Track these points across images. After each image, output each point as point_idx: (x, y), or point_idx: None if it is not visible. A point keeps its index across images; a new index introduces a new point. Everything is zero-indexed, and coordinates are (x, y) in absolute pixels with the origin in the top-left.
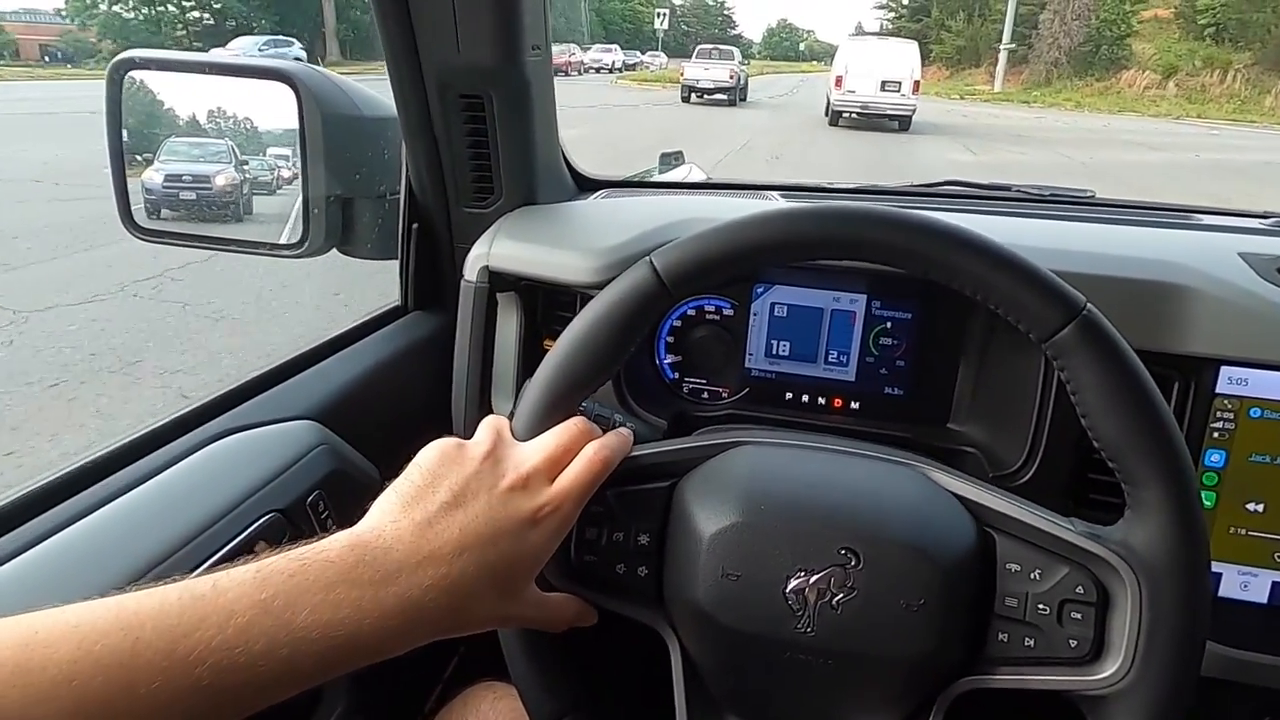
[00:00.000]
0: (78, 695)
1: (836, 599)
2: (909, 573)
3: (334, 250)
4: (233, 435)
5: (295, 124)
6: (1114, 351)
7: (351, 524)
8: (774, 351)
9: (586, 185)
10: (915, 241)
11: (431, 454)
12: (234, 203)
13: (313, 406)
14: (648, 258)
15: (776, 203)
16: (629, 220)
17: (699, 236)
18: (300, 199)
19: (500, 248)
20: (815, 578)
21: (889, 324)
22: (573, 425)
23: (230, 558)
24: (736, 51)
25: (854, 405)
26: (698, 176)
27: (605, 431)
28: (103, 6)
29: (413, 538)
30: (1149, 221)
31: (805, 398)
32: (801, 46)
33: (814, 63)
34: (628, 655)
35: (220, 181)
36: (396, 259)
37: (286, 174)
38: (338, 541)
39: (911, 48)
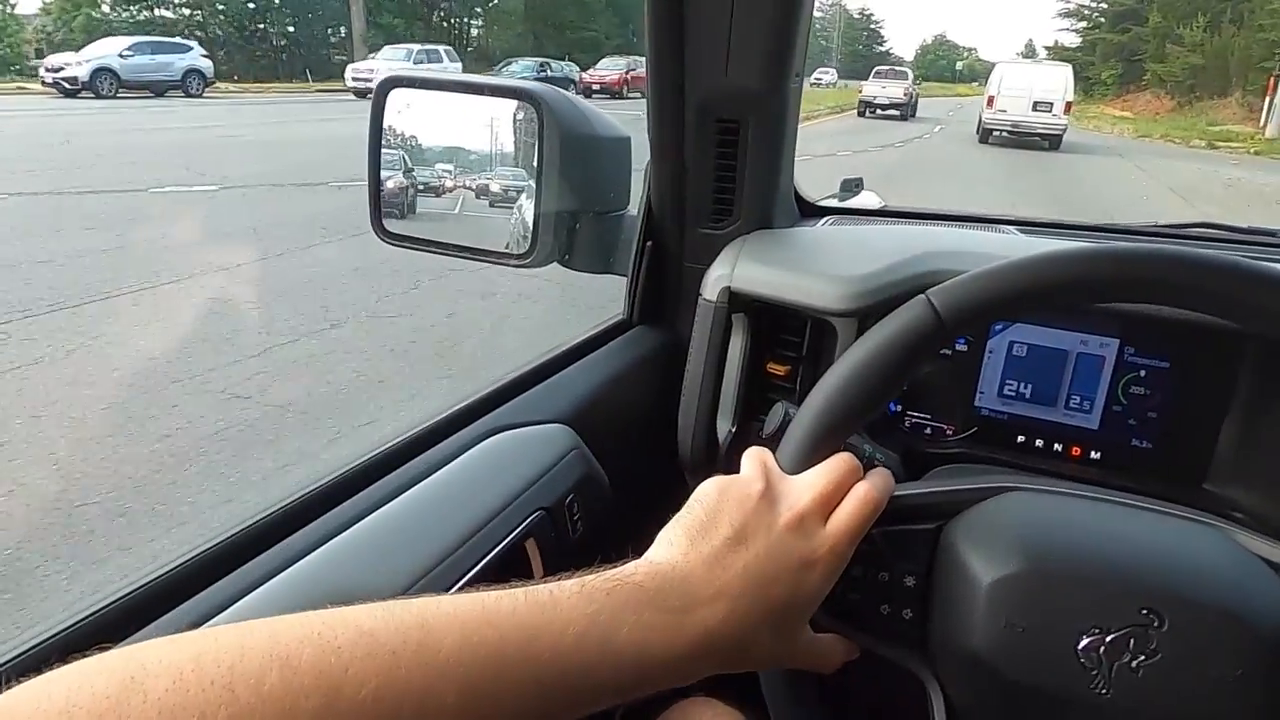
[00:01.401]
0: (464, 678)
1: (1137, 661)
2: (1223, 640)
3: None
4: (499, 434)
5: (533, 141)
6: None
7: (594, 528)
8: (1009, 392)
9: (810, 211)
10: (1228, 286)
11: (710, 490)
12: (401, 203)
13: (561, 411)
14: (924, 295)
15: (1016, 238)
16: (873, 249)
17: (983, 275)
18: (513, 212)
19: (743, 269)
20: (1112, 637)
21: (1142, 371)
22: (842, 462)
23: (506, 554)
24: (910, 72)
25: (1094, 455)
26: (876, 202)
27: (862, 459)
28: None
29: (704, 571)
30: None
31: (1039, 443)
32: (959, 65)
33: (972, 85)
34: (885, 699)
35: (390, 185)
36: (612, 273)
37: (449, 184)
38: (640, 567)
39: (1065, 70)
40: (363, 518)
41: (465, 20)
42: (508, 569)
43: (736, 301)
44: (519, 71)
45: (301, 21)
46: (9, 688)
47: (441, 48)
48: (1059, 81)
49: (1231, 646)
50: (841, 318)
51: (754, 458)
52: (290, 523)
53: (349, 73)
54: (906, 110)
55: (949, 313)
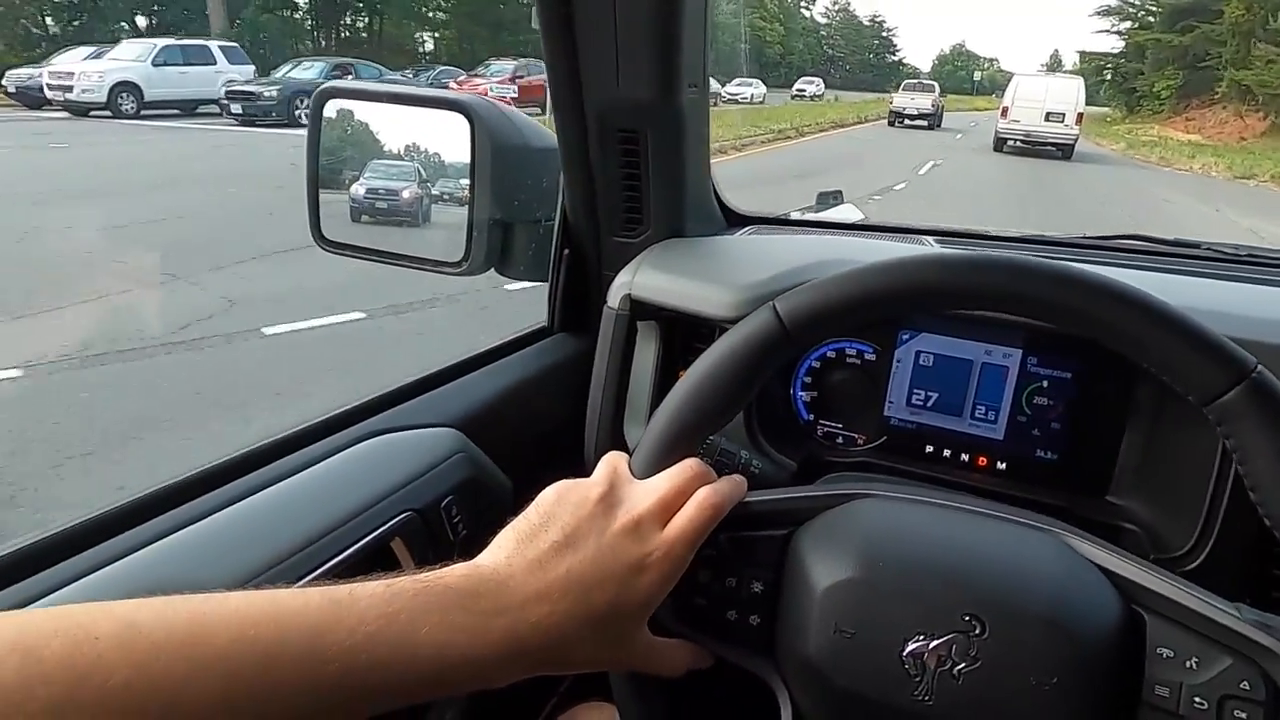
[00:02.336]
0: (230, 673)
1: (958, 668)
2: (1040, 647)
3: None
4: (379, 436)
5: (467, 152)
6: None
7: (479, 532)
8: (916, 401)
9: (736, 220)
10: (1056, 293)
11: (549, 494)
12: (414, 213)
13: (456, 416)
14: (771, 302)
15: (926, 248)
16: (773, 258)
17: (824, 282)
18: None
19: (644, 277)
20: (935, 643)
21: (1045, 382)
22: (686, 467)
23: (368, 551)
24: (936, 86)
25: (1000, 465)
26: (855, 217)
27: (730, 470)
28: None
29: (523, 575)
30: None
31: (947, 452)
32: (977, 76)
33: (991, 97)
34: (736, 705)
35: (406, 195)
36: (544, 281)
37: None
38: (459, 570)
39: (1077, 82)
40: (216, 512)
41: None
42: (371, 568)
43: (642, 309)
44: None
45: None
46: None
47: (215, 43)
48: (1071, 93)
49: (1049, 654)
50: (734, 324)
51: (606, 462)
52: (142, 512)
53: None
54: (934, 120)
55: (791, 319)
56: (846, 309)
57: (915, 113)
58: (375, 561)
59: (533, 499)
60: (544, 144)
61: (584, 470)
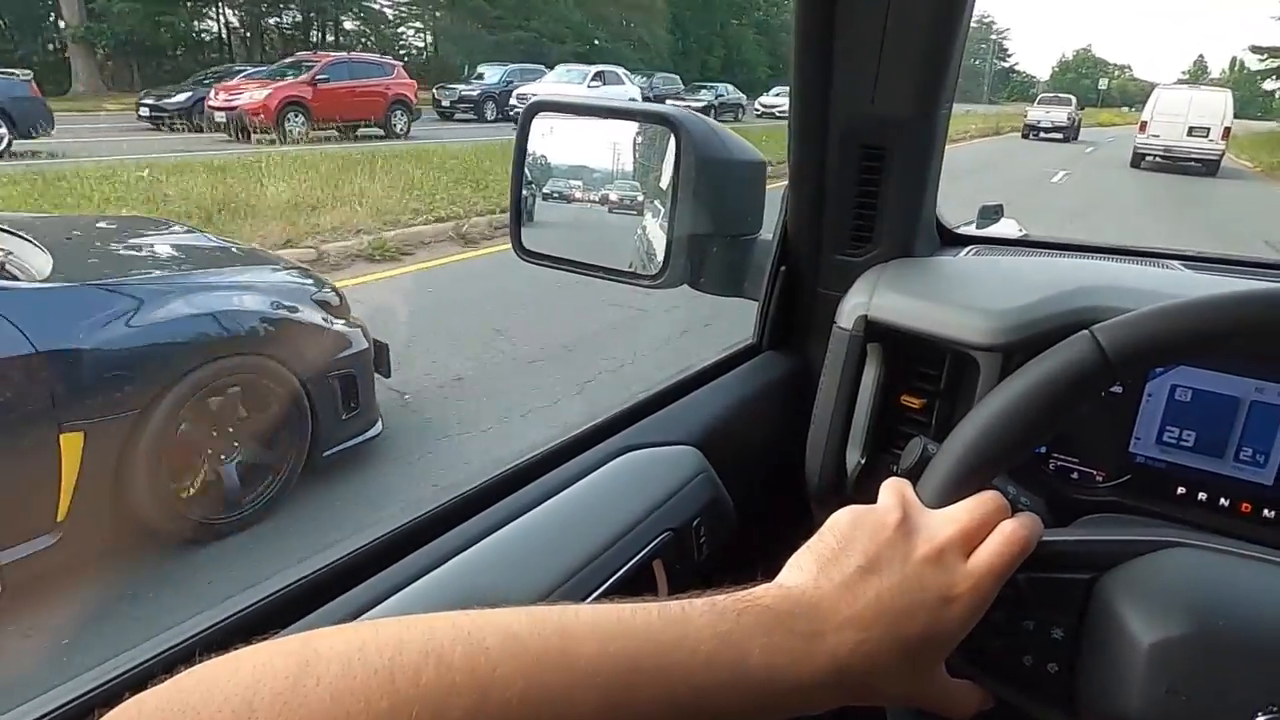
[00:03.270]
0: (602, 688)
1: None
2: None
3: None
4: (630, 453)
5: (670, 165)
6: None
7: (719, 552)
8: (1169, 439)
9: (952, 240)
10: None
11: (843, 517)
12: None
13: (691, 433)
14: (1088, 331)
15: (1181, 273)
16: (1022, 281)
17: (1157, 313)
18: (641, 232)
19: (881, 298)
20: None
21: None
22: (987, 498)
23: (634, 571)
24: (1073, 99)
25: (1268, 513)
26: (1016, 230)
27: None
28: None
29: (834, 598)
30: None
31: (1203, 495)
32: (1103, 85)
33: (1122, 110)
34: None
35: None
36: (740, 296)
37: (578, 195)
38: (770, 589)
39: (1224, 95)
40: (500, 527)
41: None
42: (636, 587)
43: (873, 331)
44: None
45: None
46: (199, 661)
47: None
48: (1217, 106)
49: None
50: (985, 352)
51: (892, 489)
52: (436, 526)
53: None
54: (1069, 133)
55: (1116, 351)
56: (1183, 343)
57: (1050, 125)
58: (640, 581)
59: (753, 519)
60: (748, 157)
61: (806, 493)
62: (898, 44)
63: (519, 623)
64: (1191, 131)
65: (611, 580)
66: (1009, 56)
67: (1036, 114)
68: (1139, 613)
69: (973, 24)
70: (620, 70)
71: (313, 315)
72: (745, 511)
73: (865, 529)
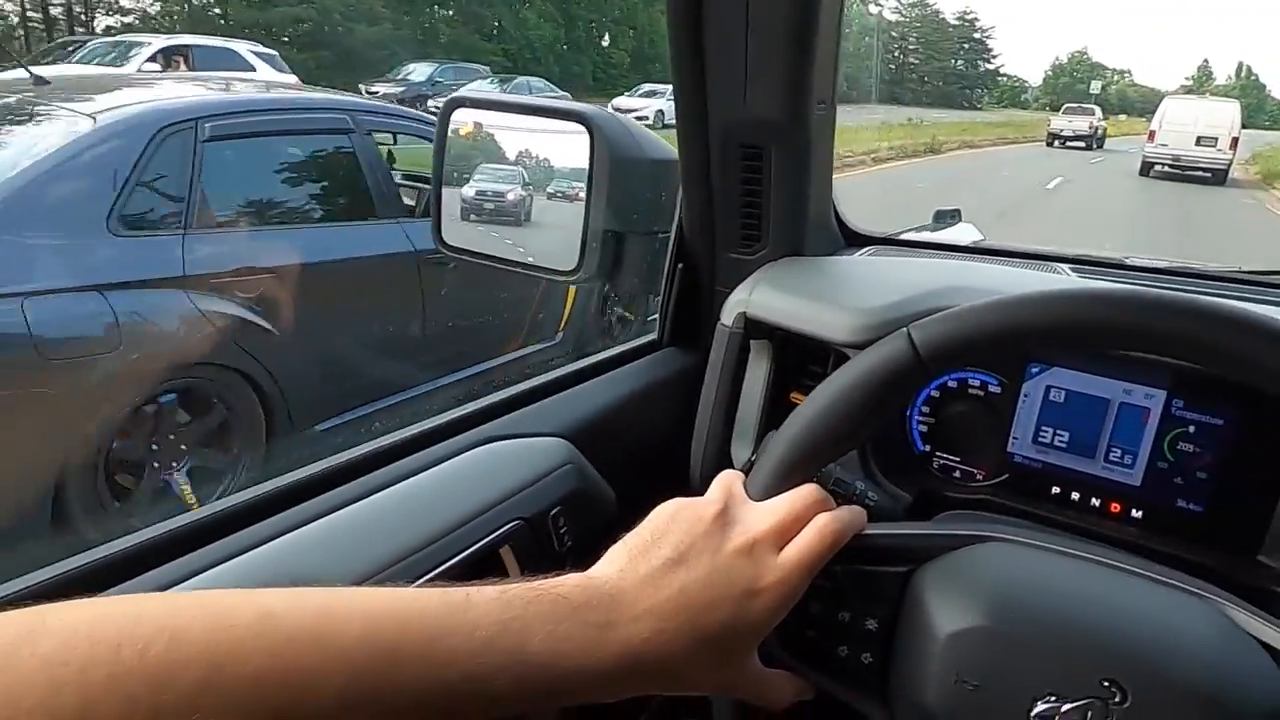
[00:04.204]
0: (355, 670)
1: None
2: None
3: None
4: (490, 444)
5: (585, 162)
6: None
7: (585, 543)
8: (1044, 439)
9: (855, 240)
10: (1231, 340)
11: (663, 510)
12: (518, 213)
13: (565, 426)
14: (905, 329)
15: (1063, 278)
16: (896, 281)
17: (964, 312)
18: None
19: (760, 295)
20: (1068, 707)
21: (1192, 428)
22: (806, 492)
23: (479, 557)
24: (1097, 109)
25: (1135, 513)
26: (974, 235)
27: (844, 500)
28: None
29: (635, 590)
30: None
31: (1076, 495)
32: (1095, 88)
33: (1120, 118)
34: None
35: (510, 197)
36: (654, 293)
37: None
38: (570, 580)
39: (1233, 106)
40: (333, 512)
41: None
42: (480, 574)
43: (754, 328)
44: None
45: None
46: None
47: None
48: (1225, 117)
49: None
50: (853, 349)
51: (721, 481)
52: (259, 511)
53: None
54: (1092, 141)
55: (927, 349)
56: (989, 341)
57: (1072, 134)
58: (484, 568)
59: (637, 512)
60: (661, 156)
61: (689, 487)
62: (762, 45)
63: (278, 602)
64: (1200, 141)
65: (445, 566)
66: (994, 57)
67: (1059, 123)
68: (941, 604)
69: (951, 21)
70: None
71: None
72: (631, 505)
73: (682, 521)
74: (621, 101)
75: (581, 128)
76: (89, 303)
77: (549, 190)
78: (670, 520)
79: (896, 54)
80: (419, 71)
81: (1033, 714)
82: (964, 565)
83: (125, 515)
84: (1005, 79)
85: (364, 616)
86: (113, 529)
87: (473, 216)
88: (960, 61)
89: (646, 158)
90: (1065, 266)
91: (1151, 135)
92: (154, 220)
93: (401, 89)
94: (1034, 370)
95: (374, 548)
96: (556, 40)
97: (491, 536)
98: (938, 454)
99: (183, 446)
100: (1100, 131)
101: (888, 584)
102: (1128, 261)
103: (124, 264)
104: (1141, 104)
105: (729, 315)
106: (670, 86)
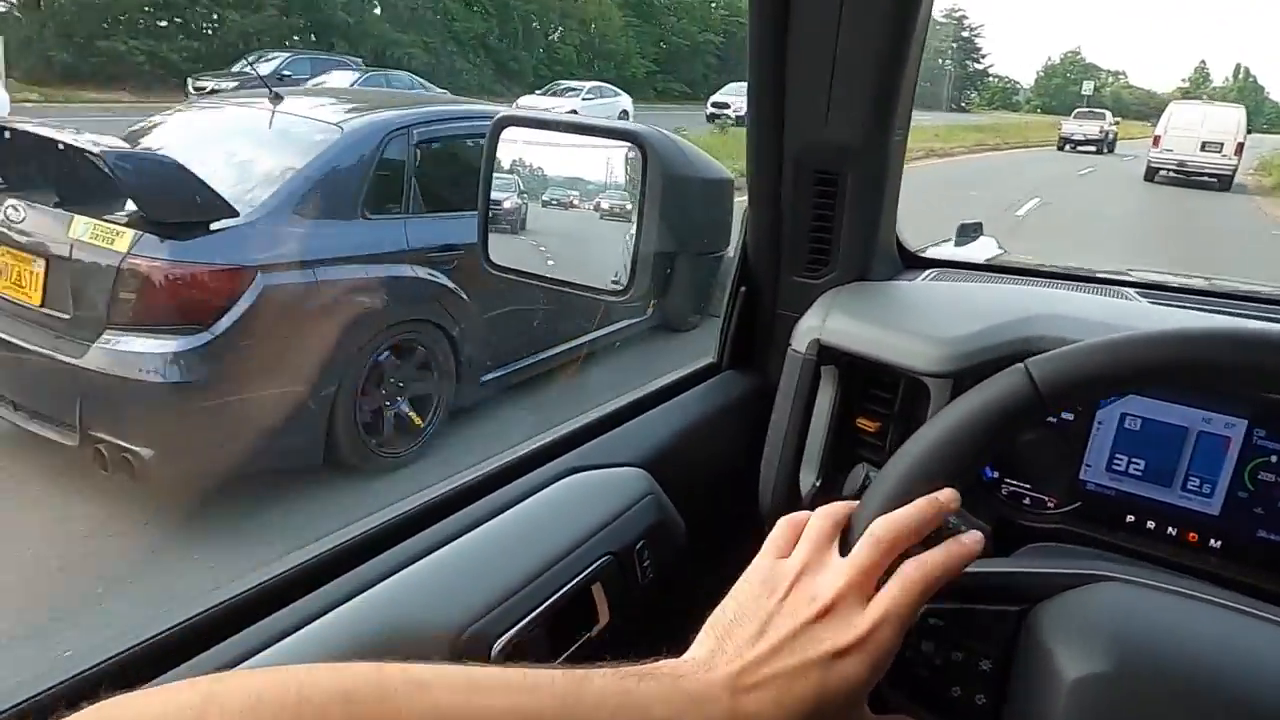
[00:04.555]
0: None
1: None
2: None
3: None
4: (575, 475)
5: (637, 181)
6: None
7: (666, 574)
8: (1119, 467)
9: (914, 263)
10: None
11: (743, 583)
12: (514, 220)
13: (641, 454)
14: (1023, 364)
15: (1132, 304)
16: (973, 308)
17: (1088, 349)
18: (629, 249)
19: (835, 322)
20: None
21: (1274, 458)
22: (882, 542)
23: (574, 595)
24: (1108, 114)
25: (1214, 543)
26: (994, 250)
27: (933, 537)
28: None
29: (726, 666)
30: None
31: (1151, 524)
32: (1088, 89)
33: (1116, 122)
34: None
35: (507, 205)
36: (706, 314)
37: (575, 203)
38: (668, 662)
39: (1238, 111)
40: (431, 552)
41: None
42: (573, 611)
43: (826, 354)
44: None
45: None
46: (103, 697)
47: None
48: (1230, 122)
49: None
50: (935, 379)
51: (806, 537)
52: (359, 554)
53: None
54: (1103, 145)
55: (1048, 386)
56: (1114, 380)
57: (1083, 138)
58: (577, 605)
59: (706, 541)
60: (715, 175)
61: (758, 514)
62: (848, 72)
63: (426, 673)
64: (1205, 147)
65: (544, 606)
66: (983, 56)
67: (1070, 127)
68: (1064, 647)
69: (939, 19)
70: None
71: None
72: (699, 532)
73: (760, 594)
74: (528, 100)
75: (635, 147)
76: (354, 270)
77: (544, 199)
78: (750, 594)
79: None
80: (270, 64)
81: None
82: (1084, 606)
83: (380, 445)
84: (996, 79)
85: (507, 689)
86: (371, 459)
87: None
88: (948, 61)
89: (699, 177)
90: (1131, 290)
91: (1157, 140)
92: (385, 207)
93: (234, 84)
94: (1109, 399)
95: (472, 591)
96: (488, 32)
97: (585, 573)
98: (1006, 481)
99: (401, 385)
100: (1111, 136)
101: (1001, 623)
102: (1197, 285)
103: (371, 241)
104: (1137, 106)
105: (801, 341)
106: (586, 85)
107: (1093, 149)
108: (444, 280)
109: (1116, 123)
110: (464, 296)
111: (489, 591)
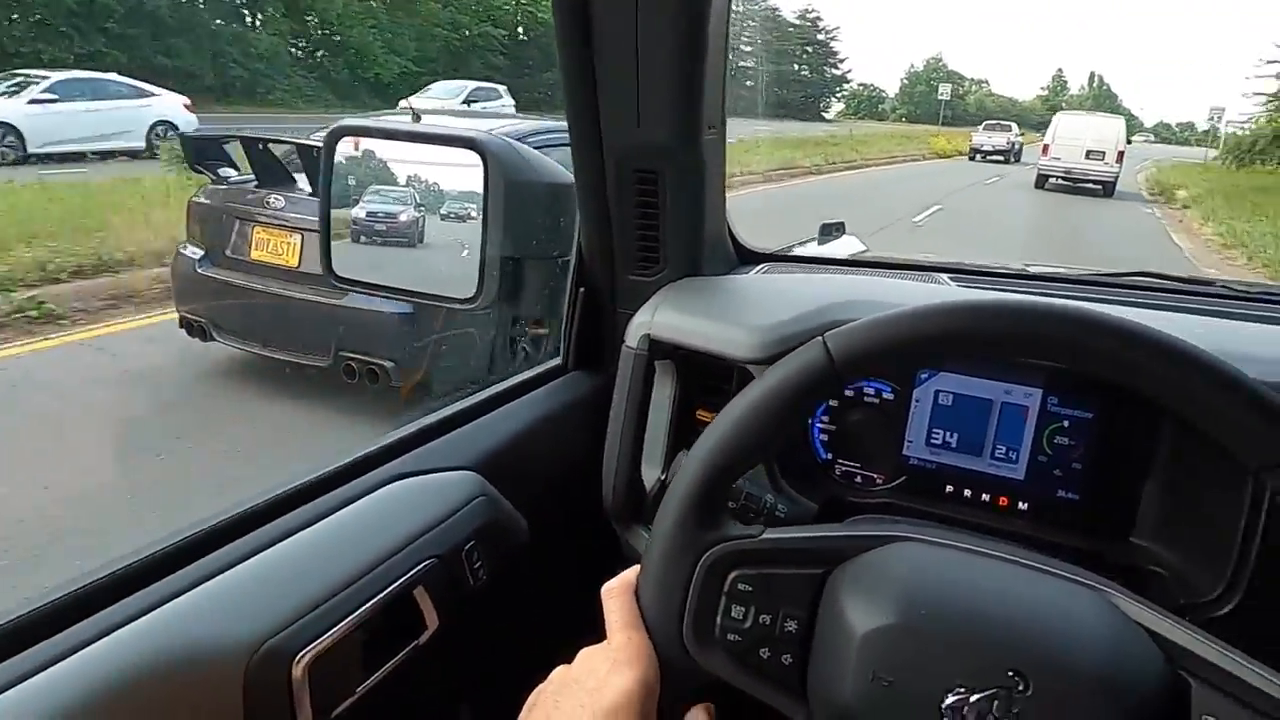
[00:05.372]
0: None
1: None
2: (1086, 709)
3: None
4: (400, 481)
5: (479, 188)
6: None
7: (502, 576)
8: (936, 441)
9: (749, 258)
10: (1123, 350)
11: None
12: (411, 233)
13: (474, 458)
14: (820, 338)
15: (945, 288)
16: (794, 297)
17: (877, 322)
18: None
19: (662, 316)
20: (976, 697)
21: (1066, 422)
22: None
23: (392, 599)
24: (1014, 125)
25: (1022, 506)
26: (857, 247)
27: (755, 512)
28: None
29: None
30: None
31: (968, 492)
32: (943, 93)
33: (971, 131)
34: None
35: (403, 218)
36: (555, 317)
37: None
38: None
39: (1118, 122)
40: (236, 564)
41: None
42: (394, 616)
43: (658, 349)
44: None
45: None
46: None
47: None
48: (1111, 131)
49: (1094, 716)
50: (755, 365)
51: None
52: (163, 566)
53: None
54: (1010, 155)
55: (842, 356)
56: (902, 349)
57: (991, 149)
58: (399, 609)
59: (551, 539)
60: (557, 180)
61: (600, 510)
62: (652, 72)
63: None
64: (1089, 155)
65: (355, 614)
66: (840, 62)
67: (980, 138)
68: (857, 604)
69: (791, 20)
70: None
71: None
72: (543, 533)
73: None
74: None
75: (474, 154)
76: None
77: (442, 212)
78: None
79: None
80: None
81: (944, 706)
82: (876, 565)
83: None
84: (861, 87)
85: None
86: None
87: (363, 239)
88: (804, 67)
89: (543, 182)
90: (944, 276)
91: (1045, 149)
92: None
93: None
94: (923, 377)
95: (274, 604)
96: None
97: (406, 577)
98: (840, 461)
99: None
100: (1018, 146)
101: (805, 587)
102: (1001, 269)
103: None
104: (1000, 115)
105: (633, 337)
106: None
107: (1001, 158)
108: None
109: (1022, 134)
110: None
111: (293, 604)
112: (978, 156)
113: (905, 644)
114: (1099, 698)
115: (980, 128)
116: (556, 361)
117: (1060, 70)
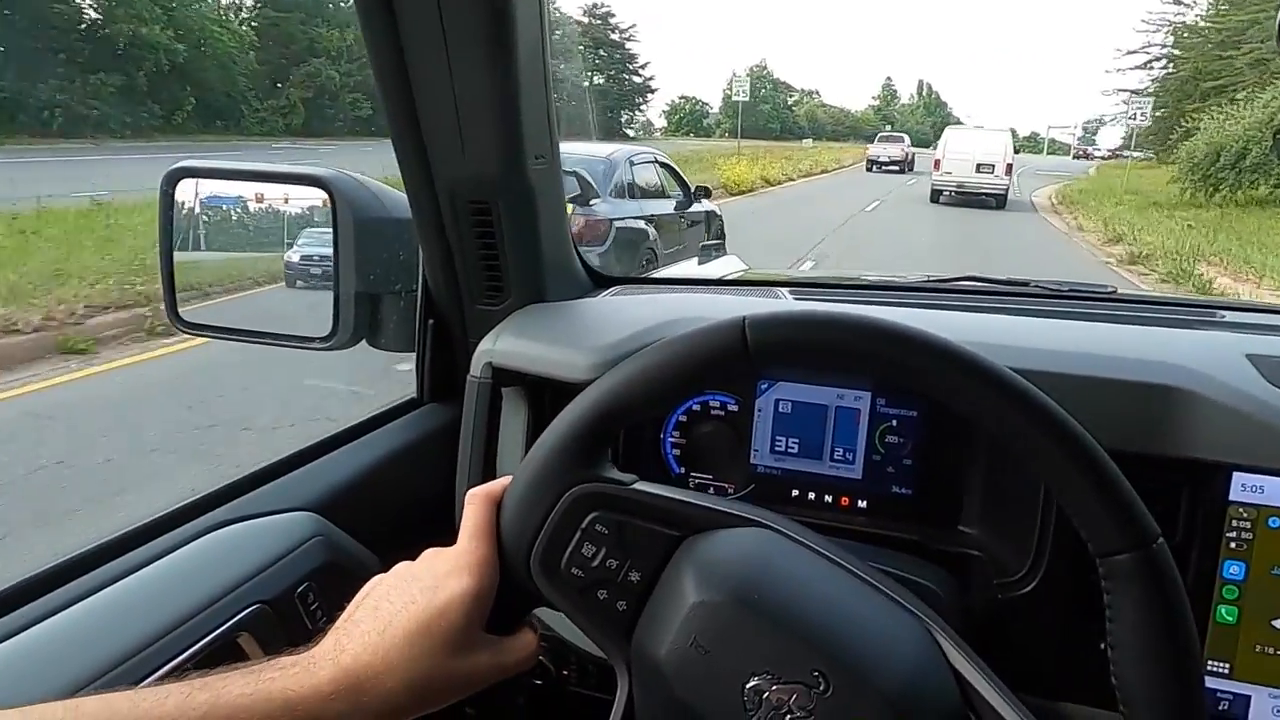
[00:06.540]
0: None
1: (792, 716)
2: None
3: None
4: (228, 527)
5: (329, 225)
6: (1170, 601)
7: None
8: (779, 448)
9: (601, 282)
10: (1005, 406)
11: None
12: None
13: (314, 498)
14: (742, 316)
15: (781, 301)
16: (630, 318)
17: (803, 318)
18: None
19: (504, 344)
20: (778, 686)
21: (894, 421)
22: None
23: (214, 648)
24: (907, 137)
25: (861, 504)
26: (737, 266)
27: None
28: None
29: (335, 636)
30: (1165, 319)
31: (812, 495)
32: (739, 94)
33: (805, 144)
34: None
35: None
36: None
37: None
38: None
39: (1005, 135)
40: (56, 613)
41: None
42: (220, 663)
43: (502, 376)
44: None
45: None
46: None
47: None
48: (999, 145)
49: None
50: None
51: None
52: None
53: None
54: (904, 165)
55: (758, 341)
56: (816, 351)
57: (887, 160)
58: (225, 656)
59: None
60: (406, 215)
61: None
62: (470, 106)
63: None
64: (980, 168)
65: (180, 658)
66: (642, 68)
67: (876, 150)
68: (700, 573)
69: (582, 18)
70: None
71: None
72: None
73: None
74: None
75: (321, 191)
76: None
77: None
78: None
79: None
80: None
81: (747, 685)
82: (728, 542)
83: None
84: (684, 100)
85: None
86: None
87: (299, 283)
88: (596, 74)
89: (391, 217)
90: (783, 290)
91: (937, 164)
92: (624, 194)
93: None
94: (763, 387)
95: (90, 654)
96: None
97: (228, 624)
98: (693, 474)
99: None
100: (911, 157)
101: (659, 543)
102: (835, 280)
103: (633, 209)
104: (833, 127)
105: (476, 366)
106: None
107: (896, 169)
108: (650, 230)
109: (723, 136)
110: (652, 235)
111: (112, 652)
112: (874, 168)
113: (730, 620)
114: (887, 716)
115: (875, 140)
116: (412, 395)
117: (890, 79)
